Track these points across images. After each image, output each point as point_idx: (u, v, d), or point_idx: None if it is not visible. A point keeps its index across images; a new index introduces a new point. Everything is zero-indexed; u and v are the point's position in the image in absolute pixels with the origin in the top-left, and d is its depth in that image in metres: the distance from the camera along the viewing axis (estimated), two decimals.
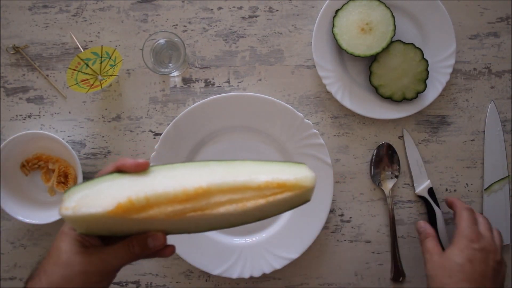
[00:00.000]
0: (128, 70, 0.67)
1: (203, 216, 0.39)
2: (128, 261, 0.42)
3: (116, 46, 0.67)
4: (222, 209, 0.39)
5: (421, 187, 0.66)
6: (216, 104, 0.63)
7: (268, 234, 0.65)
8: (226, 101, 0.64)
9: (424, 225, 0.60)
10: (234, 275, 0.63)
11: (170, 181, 0.40)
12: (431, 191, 0.65)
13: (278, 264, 0.63)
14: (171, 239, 0.45)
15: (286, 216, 0.65)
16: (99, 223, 0.39)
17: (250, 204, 0.40)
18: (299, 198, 0.42)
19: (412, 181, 0.66)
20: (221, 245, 0.65)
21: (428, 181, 0.65)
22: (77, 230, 0.41)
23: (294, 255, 0.63)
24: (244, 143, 0.65)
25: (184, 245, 0.63)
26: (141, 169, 0.42)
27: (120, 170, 0.42)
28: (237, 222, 0.42)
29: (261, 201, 0.40)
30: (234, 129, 0.65)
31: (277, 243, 0.64)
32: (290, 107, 0.63)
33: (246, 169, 0.41)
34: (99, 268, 0.41)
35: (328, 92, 0.66)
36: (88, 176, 0.67)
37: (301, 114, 0.63)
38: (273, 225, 0.65)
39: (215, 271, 0.63)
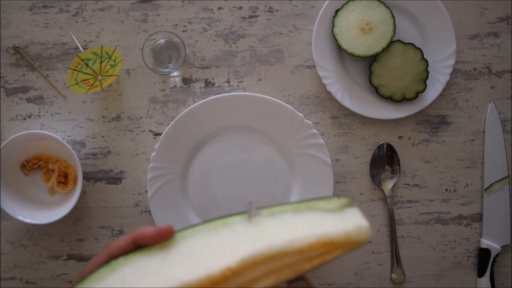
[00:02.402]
0: (128, 70, 0.67)
1: None
2: None
3: (116, 46, 0.67)
4: (258, 285, 0.32)
5: None
6: (216, 104, 0.63)
7: None
8: (226, 101, 0.64)
9: None
10: None
11: (187, 265, 0.32)
12: None
13: None
14: None
15: None
16: None
17: (293, 271, 0.32)
18: (350, 250, 0.34)
19: None
20: None
21: None
22: None
23: None
24: (244, 143, 0.65)
25: None
26: (164, 237, 0.35)
27: (138, 244, 0.35)
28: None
29: (306, 266, 0.32)
30: (234, 129, 0.65)
31: None
32: (290, 107, 0.63)
33: (279, 225, 0.33)
34: None
35: (328, 92, 0.66)
36: (88, 176, 0.67)
37: (301, 114, 0.63)
38: None
39: None
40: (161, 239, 0.35)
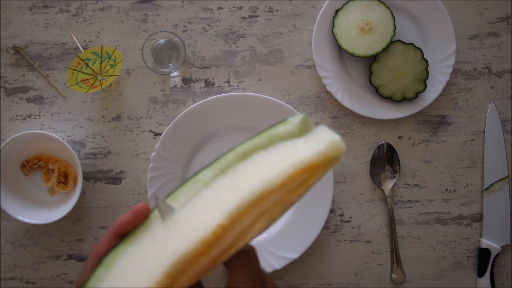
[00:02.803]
0: (128, 70, 0.67)
1: (237, 248, 0.32)
2: None
3: (116, 46, 0.67)
4: (255, 230, 0.31)
5: None
6: (216, 104, 0.63)
7: (268, 234, 0.65)
8: (226, 101, 0.64)
9: None
10: None
11: (179, 237, 0.31)
12: None
13: (278, 264, 0.63)
14: None
15: (286, 216, 0.65)
16: None
17: (282, 206, 0.32)
18: (330, 167, 0.33)
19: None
20: None
21: None
22: None
23: (294, 255, 0.63)
24: None
25: None
26: (142, 216, 0.34)
27: (120, 234, 0.34)
28: (269, 226, 0.34)
29: (293, 198, 0.32)
30: (234, 129, 0.65)
31: (277, 243, 0.64)
32: (290, 107, 0.63)
33: (253, 168, 0.32)
34: None
35: (328, 92, 0.66)
36: (88, 176, 0.67)
37: None
38: (273, 225, 0.65)
39: None
40: (140, 219, 0.34)
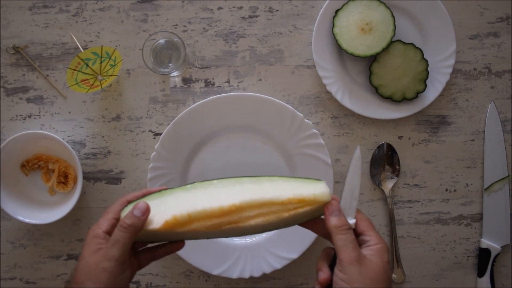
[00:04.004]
0: (128, 70, 0.67)
1: (236, 227, 0.46)
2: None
3: (116, 46, 0.67)
4: (252, 222, 0.46)
5: None
6: (216, 104, 0.63)
7: (268, 234, 0.65)
8: (226, 101, 0.64)
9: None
10: (234, 275, 0.63)
11: (208, 199, 0.47)
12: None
13: (278, 264, 0.63)
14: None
15: None
16: (153, 235, 0.47)
17: (276, 217, 0.46)
18: (316, 211, 0.47)
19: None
20: (221, 245, 0.65)
21: (354, 221, 0.46)
22: (137, 239, 0.47)
23: (294, 255, 0.63)
24: (244, 143, 0.65)
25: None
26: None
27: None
28: (263, 231, 0.48)
29: (285, 214, 0.46)
30: (234, 129, 0.65)
31: (277, 243, 0.64)
32: (290, 107, 0.63)
33: (273, 186, 0.47)
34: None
35: (328, 92, 0.66)
36: (88, 176, 0.67)
37: (301, 114, 0.63)
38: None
39: (215, 271, 0.63)
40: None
